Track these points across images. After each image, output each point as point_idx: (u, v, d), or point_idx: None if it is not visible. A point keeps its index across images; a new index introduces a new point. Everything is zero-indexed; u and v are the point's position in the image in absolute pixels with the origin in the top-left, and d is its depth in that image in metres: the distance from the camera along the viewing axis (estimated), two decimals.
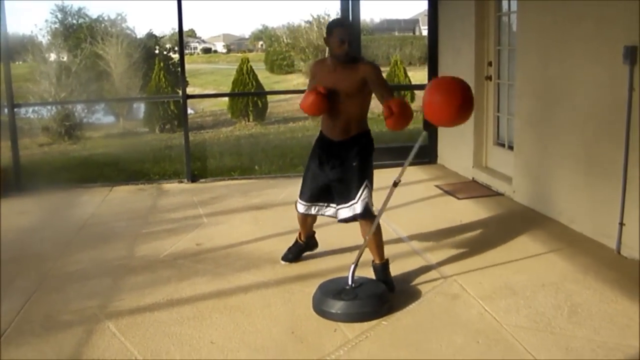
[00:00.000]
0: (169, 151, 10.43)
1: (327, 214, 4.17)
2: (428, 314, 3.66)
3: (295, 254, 4.57)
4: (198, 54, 59.02)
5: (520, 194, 5.79)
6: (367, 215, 3.94)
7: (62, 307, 3.93)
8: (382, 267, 4.05)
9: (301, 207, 4.23)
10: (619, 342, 3.23)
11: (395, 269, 4.27)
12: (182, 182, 7.45)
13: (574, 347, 3.19)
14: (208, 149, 10.82)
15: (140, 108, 15.91)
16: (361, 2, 7.16)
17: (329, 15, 27.37)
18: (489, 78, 6.53)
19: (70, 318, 3.77)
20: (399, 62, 14.94)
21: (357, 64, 3.89)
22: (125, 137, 14.11)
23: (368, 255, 4.32)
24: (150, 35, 17.34)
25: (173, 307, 3.89)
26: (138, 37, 17.52)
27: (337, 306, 3.59)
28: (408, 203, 6.10)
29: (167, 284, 4.25)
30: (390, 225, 5.39)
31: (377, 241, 4.01)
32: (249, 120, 14.93)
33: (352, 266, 3.77)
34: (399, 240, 5.01)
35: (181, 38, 7.41)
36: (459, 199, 6.12)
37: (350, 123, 3.96)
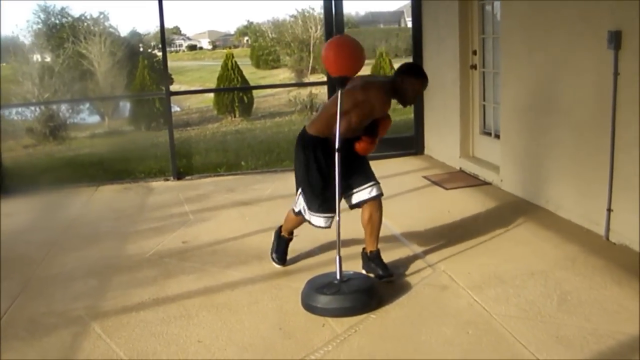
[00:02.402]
0: (155, 149, 10.32)
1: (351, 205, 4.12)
2: (417, 305, 3.63)
3: (284, 251, 4.41)
4: (183, 51, 58.65)
5: (508, 183, 5.77)
6: (381, 195, 4.07)
7: (46, 310, 3.87)
8: (377, 255, 4.05)
9: (325, 221, 3.96)
10: (609, 328, 3.21)
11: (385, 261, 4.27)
12: (168, 179, 7.38)
13: (565, 335, 3.17)
14: (194, 146, 10.73)
15: (126, 107, 15.79)
16: None
17: (313, 9, 27.30)
18: (474, 67, 6.49)
19: (55, 321, 3.71)
20: (384, 54, 14.91)
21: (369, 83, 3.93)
22: (111, 136, 13.99)
23: (353, 248, 4.31)
24: (134, 34, 17.22)
25: (159, 306, 3.84)
26: (121, 35, 17.36)
27: (324, 301, 3.55)
28: (396, 195, 6.05)
29: (153, 283, 4.20)
30: None
31: (380, 227, 4.05)
32: (235, 116, 14.85)
33: (337, 258, 3.72)
34: (386, 232, 4.95)
35: (163, 35, 7.33)
36: (446, 189, 6.09)
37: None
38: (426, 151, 7.67)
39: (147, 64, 14.92)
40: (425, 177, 6.58)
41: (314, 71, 26.25)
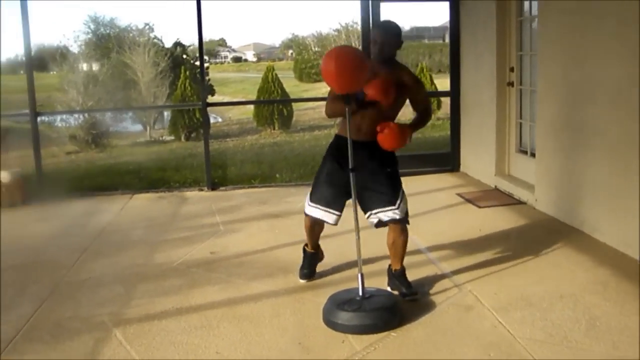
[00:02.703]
0: (192, 159, 10.47)
1: (331, 221, 4.04)
2: (440, 325, 3.56)
3: (309, 268, 4.39)
4: (228, 62, 59.56)
5: (542, 203, 5.65)
6: (405, 220, 3.95)
7: (72, 315, 3.92)
8: (402, 273, 4.01)
9: (315, 212, 4.04)
10: (638, 358, 3.09)
11: (411, 279, 4.20)
12: (202, 190, 7.45)
13: None
14: (231, 157, 10.84)
15: (167, 116, 16.04)
16: (386, 11, 7.10)
17: (356, 23, 27.43)
18: (511, 84, 6.40)
19: (79, 326, 3.75)
20: (425, 70, 14.82)
21: (401, 70, 3.87)
22: (151, 145, 14.23)
23: (379, 264, 4.27)
24: (177, 44, 17.49)
25: (182, 315, 3.85)
26: (166, 46, 17.68)
27: (345, 317, 3.51)
28: (427, 212, 5.99)
29: (178, 293, 4.22)
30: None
31: (405, 247, 4.00)
32: (274, 129, 14.95)
33: (359, 275, 3.68)
34: (415, 249, 4.90)
35: (201, 47, 7.44)
36: (479, 207, 5.99)
37: (378, 124, 3.80)
38: (462, 168, 7.58)
39: (189, 75, 15.11)
40: (459, 195, 6.49)
41: None
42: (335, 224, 4.05)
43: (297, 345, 3.40)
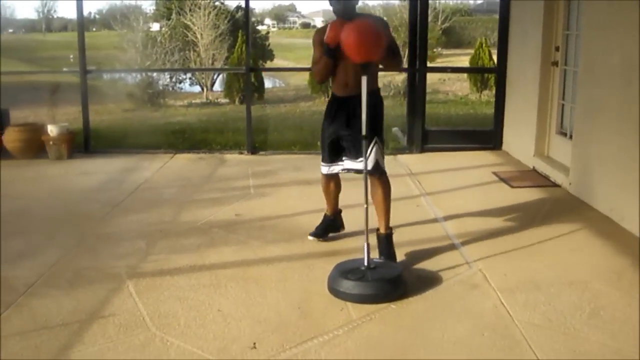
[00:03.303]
0: (242, 122, 10.58)
1: (347, 167, 4.20)
2: (441, 301, 3.56)
3: (322, 229, 4.56)
4: (297, 28, 59.52)
5: (576, 186, 5.51)
6: (376, 170, 4.00)
7: (91, 265, 4.11)
8: (386, 238, 4.06)
9: (323, 169, 4.29)
10: (635, 350, 3.03)
11: (423, 253, 4.24)
12: (242, 153, 7.58)
13: (583, 351, 3.02)
14: (280, 122, 10.91)
15: (224, 79, 16.21)
16: None
17: None
18: (556, 64, 6.21)
19: (96, 276, 3.93)
20: (484, 45, 14.47)
21: (360, 18, 3.86)
22: (206, 107, 14.44)
23: (401, 234, 4.32)
24: (239, 7, 17.56)
25: (194, 273, 3.98)
26: (228, 9, 17.78)
27: (347, 286, 3.56)
28: (459, 188, 5.95)
29: (195, 251, 4.35)
30: (432, 208, 5.30)
31: (386, 205, 4.04)
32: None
33: (365, 245, 3.71)
34: (434, 223, 4.90)
35: (247, 12, 7.52)
36: (512, 187, 5.89)
37: (371, 78, 3.88)
38: (504, 147, 7.44)
39: (245, 39, 15.16)
40: (494, 173, 6.39)
41: None
42: (327, 177, 4.34)
43: (297, 309, 3.46)
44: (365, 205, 3.76)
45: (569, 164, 5.79)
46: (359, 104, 3.84)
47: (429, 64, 9.37)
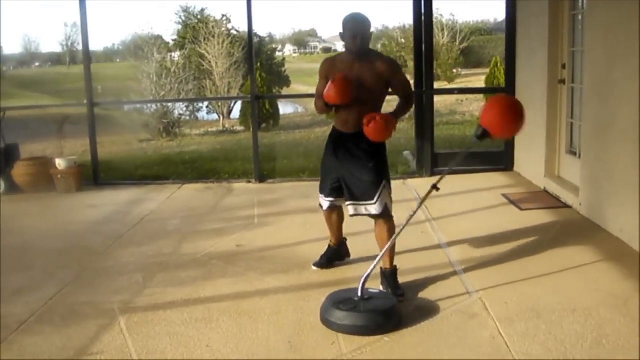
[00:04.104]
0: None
1: (340, 204, 4.18)
2: (436, 333, 3.44)
3: (326, 259, 4.50)
4: (318, 53, 59.88)
5: (586, 207, 5.36)
6: (385, 215, 3.95)
7: (86, 300, 4.07)
8: (391, 274, 3.98)
9: (323, 203, 4.22)
10: None
11: (423, 282, 4.13)
12: (250, 182, 7.54)
13: None
14: (292, 149, 10.88)
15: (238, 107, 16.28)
16: (439, 6, 6.94)
17: (441, 16, 26.89)
18: (563, 81, 6.09)
19: (90, 312, 3.89)
20: (499, 64, 14.34)
21: (376, 59, 3.89)
22: (221, 135, 14.50)
23: (402, 262, 4.27)
24: (254, 36, 17.70)
25: (187, 307, 3.91)
26: (243, 37, 17.91)
27: (338, 316, 3.46)
28: (466, 212, 5.84)
29: (192, 284, 4.29)
30: (437, 234, 5.18)
31: (390, 245, 3.92)
32: None
33: (364, 276, 3.62)
34: (438, 250, 4.79)
35: (250, 38, 7.54)
36: (521, 209, 5.75)
37: (365, 116, 3.84)
38: (515, 168, 7.30)
39: (260, 67, 15.28)
40: (504, 195, 6.26)
41: (436, 78, 25.86)
42: (329, 210, 4.25)
43: (287, 343, 3.38)
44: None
45: (579, 184, 5.64)
46: (360, 142, 3.89)
47: (448, 85, 9.30)
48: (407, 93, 4.04)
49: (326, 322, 3.52)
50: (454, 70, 26.48)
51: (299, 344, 3.37)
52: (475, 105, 16.95)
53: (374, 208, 3.90)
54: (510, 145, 7.31)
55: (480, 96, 16.20)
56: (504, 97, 3.84)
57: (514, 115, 3.52)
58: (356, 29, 3.81)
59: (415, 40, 7.34)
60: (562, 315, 3.56)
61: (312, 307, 3.79)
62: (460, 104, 17.66)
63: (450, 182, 7.07)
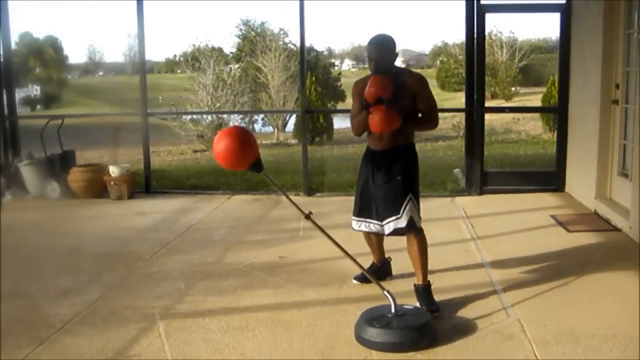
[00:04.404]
0: (308, 164, 10.68)
1: (374, 230, 4.16)
2: (470, 352, 3.41)
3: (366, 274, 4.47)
4: None
5: (636, 231, 5.21)
6: (412, 228, 3.92)
7: (129, 305, 4.19)
8: (424, 289, 3.96)
9: (353, 224, 4.27)
10: None
11: (462, 300, 4.09)
12: (298, 194, 7.60)
13: None
14: (343, 163, 10.91)
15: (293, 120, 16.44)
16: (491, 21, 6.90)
17: (501, 33, 26.55)
18: (616, 102, 5.95)
19: (131, 315, 4.00)
20: (556, 83, 14.03)
21: (403, 75, 3.92)
22: (275, 147, 14.66)
23: (443, 280, 4.29)
24: (310, 50, 17.89)
25: (225, 315, 3.98)
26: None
27: (371, 333, 3.47)
28: (512, 232, 5.75)
29: (232, 293, 4.36)
30: (480, 253, 5.13)
31: (423, 261, 3.96)
32: None
33: (389, 296, 3.61)
34: (480, 269, 4.73)
35: (302, 53, 7.63)
36: (569, 231, 5.63)
37: (397, 133, 3.91)
38: (567, 189, 7.15)
39: (318, 80, 15.39)
40: (552, 216, 6.14)
41: (494, 96, 25.53)
42: (368, 231, 4.22)
43: (320, 355, 3.40)
44: None
45: (630, 206, 5.49)
46: (393, 158, 3.95)
47: (505, 103, 9.20)
48: (430, 111, 3.97)
49: (359, 338, 3.52)
50: (512, 89, 26.07)
51: (331, 357, 3.39)
52: (531, 124, 16.68)
53: (400, 222, 3.90)
54: (562, 166, 7.18)
55: (537, 115, 15.93)
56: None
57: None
58: (371, 51, 3.90)
59: (467, 57, 7.29)
60: (601, 341, 3.47)
61: (348, 320, 3.81)
62: (516, 122, 17.38)
63: (499, 202, 7.06)
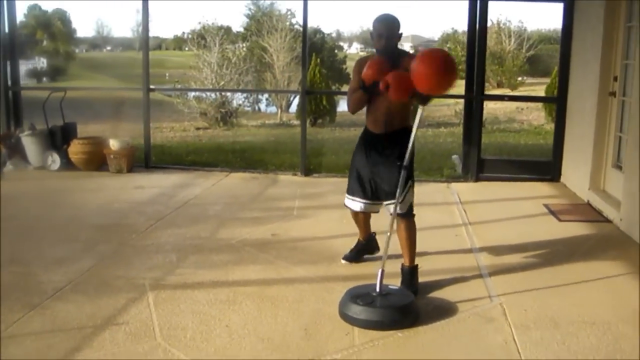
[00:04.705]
0: (307, 144, 10.73)
1: (365, 210, 4.24)
2: (450, 333, 3.48)
3: (355, 254, 4.59)
4: None
5: (627, 223, 5.26)
6: (408, 214, 4.03)
7: (120, 275, 4.27)
8: (410, 271, 4.04)
9: (347, 201, 4.30)
10: None
11: (447, 283, 4.16)
12: (295, 174, 7.66)
13: None
14: (343, 145, 10.94)
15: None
16: (495, 11, 6.92)
17: (510, 21, 26.40)
18: (613, 94, 5.98)
19: (122, 285, 4.08)
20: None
21: (402, 58, 3.91)
22: (278, 128, 14.69)
23: (430, 262, 4.36)
24: (317, 31, 17.86)
25: (214, 288, 4.06)
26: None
27: (354, 310, 3.54)
28: (504, 219, 5.81)
29: (222, 267, 4.44)
30: (470, 238, 5.19)
31: (412, 241, 4.04)
32: None
33: (380, 271, 3.68)
34: (468, 254, 4.80)
35: (305, 34, 7.66)
36: (560, 220, 5.69)
37: (393, 117, 3.99)
38: (562, 179, 7.19)
39: (323, 62, 15.37)
40: (545, 206, 6.18)
41: (500, 85, 25.46)
42: (362, 210, 4.26)
43: (303, 331, 3.48)
44: (388, 234, 3.77)
45: (621, 198, 5.54)
46: (390, 142, 3.97)
47: (511, 92, 9.21)
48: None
49: (343, 315, 3.60)
50: (519, 78, 25.99)
51: (314, 332, 3.46)
52: (535, 114, 16.66)
53: (400, 207, 3.94)
54: (558, 156, 7.21)
55: (541, 105, 15.91)
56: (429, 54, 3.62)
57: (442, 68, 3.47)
58: (382, 28, 3.91)
59: (468, 44, 7.30)
60: (579, 327, 3.54)
61: (333, 298, 3.87)
62: (520, 112, 17.36)
63: (494, 189, 7.11)
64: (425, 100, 3.70)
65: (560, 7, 7.01)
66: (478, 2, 7.00)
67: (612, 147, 6.03)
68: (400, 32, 3.98)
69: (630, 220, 5.20)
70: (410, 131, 3.93)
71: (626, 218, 5.29)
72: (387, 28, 3.92)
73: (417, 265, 4.08)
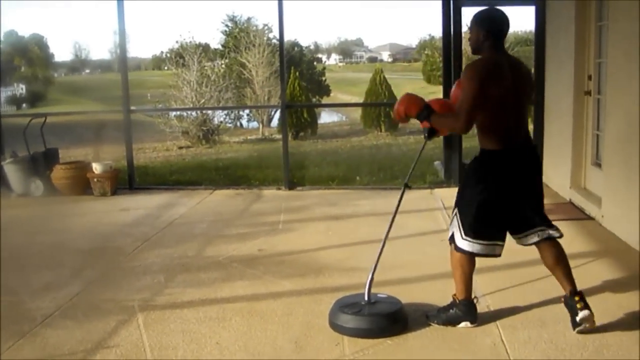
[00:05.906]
0: (291, 158, 10.77)
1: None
2: (439, 338, 3.51)
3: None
4: (364, 62, 59.82)
5: (608, 219, 5.34)
6: (451, 242, 3.71)
7: (109, 298, 4.26)
8: (450, 304, 3.70)
9: (474, 246, 3.66)
10: None
11: (435, 288, 4.18)
12: (280, 189, 7.69)
13: None
14: (325, 157, 11.02)
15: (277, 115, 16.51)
16: (469, 15, 7.00)
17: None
18: (589, 93, 6.07)
19: (111, 308, 4.08)
20: None
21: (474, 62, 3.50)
22: (260, 143, 14.73)
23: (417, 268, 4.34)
24: (295, 45, 17.96)
25: (203, 306, 4.07)
26: (285, 47, 18.18)
27: (343, 319, 3.57)
28: None
29: (210, 285, 4.45)
30: None
31: (457, 275, 3.71)
32: (381, 131, 14.97)
33: (368, 280, 3.71)
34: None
35: (281, 48, 7.72)
36: None
37: (479, 135, 3.55)
38: (544, 179, 7.21)
39: (302, 75, 15.46)
40: None
41: None
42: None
43: (293, 344, 3.49)
44: (382, 243, 3.76)
45: (602, 195, 5.62)
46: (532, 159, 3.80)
47: None
48: (458, 105, 3.40)
49: (332, 324, 3.62)
50: None
51: (304, 345, 3.48)
52: None
53: (555, 228, 3.79)
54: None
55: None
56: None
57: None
58: (506, 30, 3.51)
59: (444, 50, 7.40)
60: (567, 325, 3.57)
61: (322, 310, 3.89)
62: None
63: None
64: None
65: (532, 9, 7.12)
66: (451, 7, 7.09)
67: (591, 145, 6.12)
68: (481, 30, 3.46)
69: (611, 216, 5.28)
70: (483, 154, 3.56)
71: (607, 214, 5.36)
72: (470, 26, 3.52)
73: (459, 300, 3.66)
